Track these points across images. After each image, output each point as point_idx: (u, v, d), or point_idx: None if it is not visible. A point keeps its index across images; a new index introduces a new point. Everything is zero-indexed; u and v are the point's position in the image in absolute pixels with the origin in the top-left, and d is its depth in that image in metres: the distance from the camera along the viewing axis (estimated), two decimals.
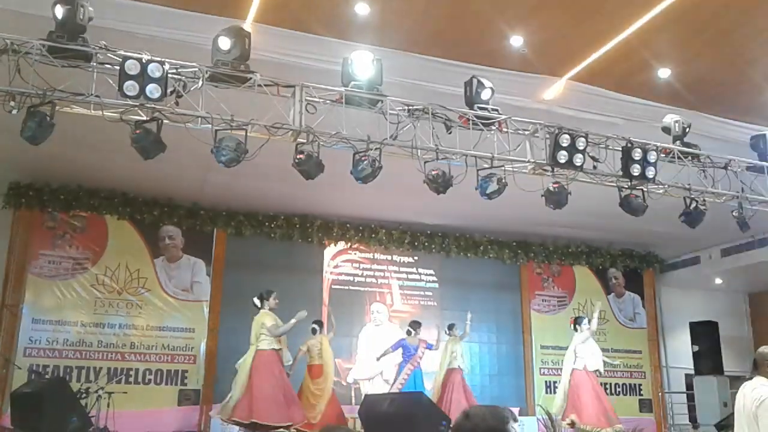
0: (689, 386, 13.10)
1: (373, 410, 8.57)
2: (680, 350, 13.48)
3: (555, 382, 12.52)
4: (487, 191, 6.77)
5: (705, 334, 12.83)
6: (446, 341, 10.85)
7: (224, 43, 5.71)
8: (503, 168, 6.83)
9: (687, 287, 14.10)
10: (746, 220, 7.80)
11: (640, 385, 13.17)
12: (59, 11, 5.25)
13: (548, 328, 12.81)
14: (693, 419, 12.49)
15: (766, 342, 14.35)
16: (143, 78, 5.36)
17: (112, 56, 5.45)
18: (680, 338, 13.52)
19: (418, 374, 10.33)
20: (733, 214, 7.82)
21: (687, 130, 7.45)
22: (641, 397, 13.11)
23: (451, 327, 10.97)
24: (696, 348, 12.88)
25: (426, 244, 12.28)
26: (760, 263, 12.09)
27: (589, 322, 10.52)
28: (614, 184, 7.36)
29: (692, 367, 12.90)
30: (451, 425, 2.29)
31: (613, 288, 13.64)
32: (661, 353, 13.61)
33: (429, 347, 10.60)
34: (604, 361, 10.61)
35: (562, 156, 6.74)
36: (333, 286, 11.79)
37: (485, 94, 6.63)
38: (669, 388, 13.50)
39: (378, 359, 10.82)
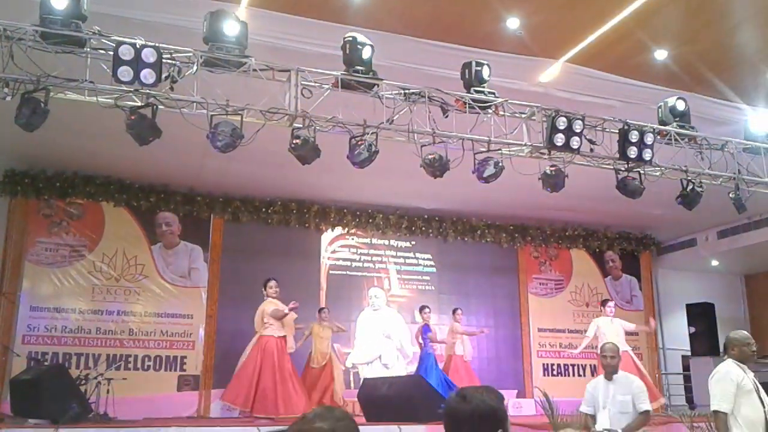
0: (686, 367, 13.19)
1: (373, 394, 8.62)
2: (677, 332, 13.55)
3: (552, 365, 12.60)
4: (484, 175, 6.77)
5: (701, 316, 12.90)
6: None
7: (231, 28, 5.67)
8: (500, 151, 6.83)
9: (684, 269, 14.15)
10: (743, 202, 7.81)
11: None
12: (60, 2, 5.21)
13: (546, 311, 12.87)
14: (690, 400, 12.58)
15: (762, 323, 14.48)
16: (137, 63, 5.33)
17: (105, 41, 5.42)
18: (677, 320, 13.60)
19: (431, 356, 10.39)
20: (730, 195, 7.83)
21: (684, 108, 7.43)
22: None
23: (454, 311, 11.04)
24: (693, 329, 12.96)
25: (423, 228, 12.28)
26: (757, 245, 12.13)
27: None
28: (611, 167, 7.36)
29: (689, 349, 12.98)
30: (446, 407, 2.27)
31: (609, 271, 13.68)
32: (658, 335, 13.66)
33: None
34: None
35: (559, 139, 6.74)
36: (330, 272, 11.79)
37: (485, 73, 6.59)
38: (666, 369, 13.58)
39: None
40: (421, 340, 10.40)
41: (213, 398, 10.19)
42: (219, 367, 10.30)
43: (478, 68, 6.58)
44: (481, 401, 2.20)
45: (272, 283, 9.25)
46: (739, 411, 4.75)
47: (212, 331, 10.58)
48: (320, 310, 10.34)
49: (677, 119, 7.45)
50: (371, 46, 6.11)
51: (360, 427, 1.81)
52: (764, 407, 4.73)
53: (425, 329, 10.43)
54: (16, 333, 9.57)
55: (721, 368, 4.94)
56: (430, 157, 6.60)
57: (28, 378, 7.52)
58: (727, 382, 4.80)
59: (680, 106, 7.48)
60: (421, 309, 10.84)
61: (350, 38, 6.14)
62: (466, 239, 12.55)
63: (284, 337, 9.05)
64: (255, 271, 10.23)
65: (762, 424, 4.68)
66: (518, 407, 11.63)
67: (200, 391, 10.26)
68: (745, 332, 5.11)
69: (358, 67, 6.11)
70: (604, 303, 10.88)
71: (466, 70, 6.63)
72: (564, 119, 6.73)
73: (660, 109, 7.52)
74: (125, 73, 5.31)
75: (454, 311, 11.08)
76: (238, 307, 9.94)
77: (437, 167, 6.62)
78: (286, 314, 8.94)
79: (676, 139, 7.44)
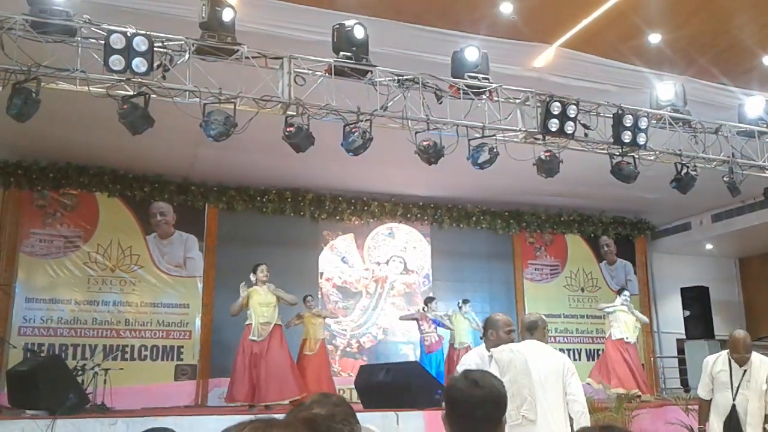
0: (680, 351, 13.26)
1: (370, 380, 8.65)
2: (672, 315, 13.62)
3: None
4: (479, 161, 6.76)
5: (696, 299, 12.96)
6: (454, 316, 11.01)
7: (228, 14, 5.63)
8: (494, 137, 6.81)
9: (678, 253, 14.20)
10: (737, 185, 7.82)
11: None
12: None
13: (541, 297, 12.90)
14: (684, 383, 12.66)
15: (757, 306, 14.48)
16: (129, 52, 5.28)
17: (96, 30, 5.37)
18: (672, 304, 13.66)
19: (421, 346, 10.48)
20: (724, 179, 7.85)
21: (671, 95, 7.42)
22: None
23: (465, 302, 11.08)
24: (687, 313, 13.02)
25: (418, 215, 12.29)
26: (751, 228, 12.18)
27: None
28: (605, 152, 7.36)
29: (683, 332, 13.05)
30: (453, 391, 2.26)
31: (605, 255, 13.72)
32: (653, 319, 13.72)
33: (437, 324, 10.72)
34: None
35: (553, 124, 6.72)
36: None
37: (469, 55, 6.55)
38: (661, 353, 13.66)
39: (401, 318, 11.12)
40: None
41: (210, 387, 10.22)
42: (216, 356, 10.31)
43: (459, 54, 6.53)
44: (492, 386, 2.19)
45: (261, 268, 8.95)
46: (714, 398, 5.29)
47: (209, 321, 10.59)
48: (305, 297, 10.08)
49: (667, 105, 7.45)
50: (361, 25, 6.06)
51: (358, 414, 1.81)
52: (734, 398, 5.00)
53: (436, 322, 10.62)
54: (12, 324, 9.56)
55: (706, 358, 5.50)
56: (424, 143, 6.58)
57: (24, 369, 7.52)
58: (703, 372, 5.41)
59: (667, 95, 7.46)
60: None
61: (337, 26, 6.12)
62: (461, 226, 12.56)
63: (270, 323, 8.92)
64: (251, 260, 10.18)
65: (727, 409, 5.10)
66: None
67: (197, 380, 10.28)
68: (741, 334, 5.23)
69: (348, 52, 6.06)
70: (620, 292, 10.83)
71: (452, 61, 6.61)
72: (558, 104, 6.72)
73: (650, 96, 7.53)
74: (117, 62, 5.27)
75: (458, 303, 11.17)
76: (234, 296, 9.90)
77: (432, 154, 6.60)
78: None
79: (670, 123, 7.44)
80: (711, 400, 5.32)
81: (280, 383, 8.41)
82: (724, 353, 5.30)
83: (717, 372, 5.23)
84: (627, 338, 10.22)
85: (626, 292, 10.74)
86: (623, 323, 10.28)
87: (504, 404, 2.18)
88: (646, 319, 10.91)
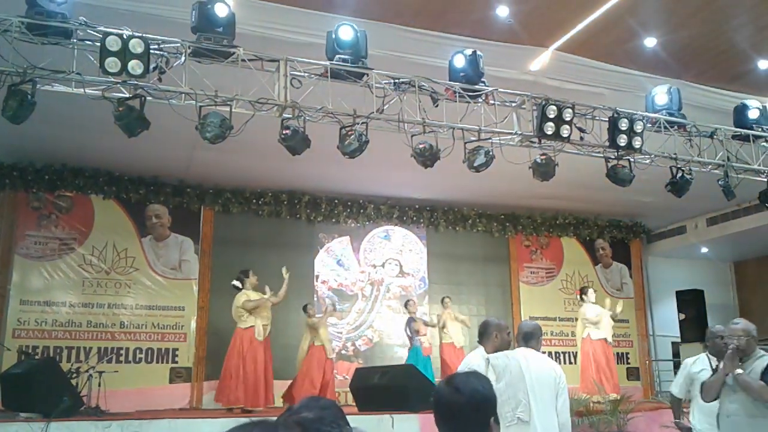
0: (676, 354, 13.28)
1: (365, 383, 8.64)
2: (667, 319, 13.64)
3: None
4: (475, 164, 6.76)
5: (691, 303, 12.99)
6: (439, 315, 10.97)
7: (221, 9, 5.63)
8: (490, 140, 6.82)
9: (673, 256, 14.23)
10: (732, 189, 7.85)
11: (627, 353, 13.33)
12: None
13: (537, 300, 12.91)
14: None
15: (751, 309, 14.55)
16: (125, 54, 5.28)
17: (92, 32, 5.37)
18: (667, 307, 13.68)
19: (418, 349, 10.41)
20: (719, 182, 7.87)
21: (666, 100, 7.45)
22: (629, 366, 13.28)
23: (443, 300, 11.06)
24: (682, 316, 13.04)
25: (414, 218, 12.29)
26: (745, 231, 12.21)
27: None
28: (601, 155, 7.38)
29: (679, 335, 13.07)
30: (437, 396, 2.25)
31: (600, 259, 13.73)
32: (648, 322, 13.76)
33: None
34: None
35: (549, 127, 6.74)
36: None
37: (457, 62, 6.59)
38: (656, 356, 13.67)
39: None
40: (409, 333, 10.47)
41: (205, 390, 10.19)
42: (211, 359, 10.29)
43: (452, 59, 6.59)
44: (474, 391, 2.17)
45: (251, 272, 9.25)
46: (695, 398, 5.15)
47: (204, 323, 10.55)
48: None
49: (662, 109, 7.47)
50: (350, 25, 6.07)
51: (353, 417, 1.81)
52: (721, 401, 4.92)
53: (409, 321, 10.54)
54: (6, 327, 9.51)
55: (685, 360, 5.47)
56: (420, 146, 6.59)
57: (19, 372, 7.49)
58: (682, 370, 5.36)
59: (662, 98, 7.48)
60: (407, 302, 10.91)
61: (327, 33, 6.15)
62: (457, 229, 12.57)
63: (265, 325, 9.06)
64: (246, 262, 10.20)
65: (714, 414, 4.90)
66: None
67: (192, 383, 10.26)
68: (719, 327, 5.22)
69: (340, 55, 6.07)
70: (583, 291, 10.92)
71: (449, 66, 6.64)
72: (554, 108, 6.73)
73: (645, 102, 7.57)
74: (112, 64, 5.27)
75: (442, 300, 11.12)
76: (229, 298, 9.89)
77: (428, 157, 6.61)
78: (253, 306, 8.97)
79: (665, 127, 7.46)
80: (681, 399, 5.36)
81: (267, 390, 8.82)
82: (703, 354, 5.26)
83: (699, 372, 5.11)
84: (606, 338, 10.39)
85: (590, 290, 10.82)
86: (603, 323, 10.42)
87: (488, 407, 2.17)
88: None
